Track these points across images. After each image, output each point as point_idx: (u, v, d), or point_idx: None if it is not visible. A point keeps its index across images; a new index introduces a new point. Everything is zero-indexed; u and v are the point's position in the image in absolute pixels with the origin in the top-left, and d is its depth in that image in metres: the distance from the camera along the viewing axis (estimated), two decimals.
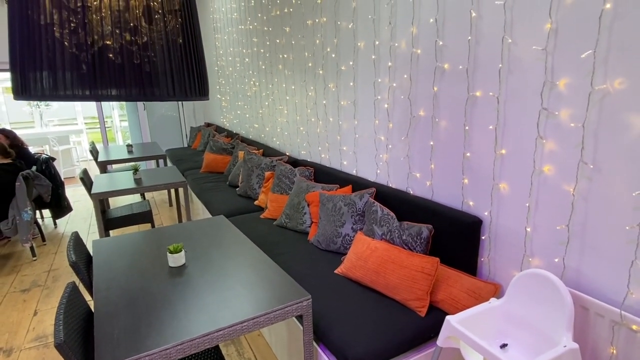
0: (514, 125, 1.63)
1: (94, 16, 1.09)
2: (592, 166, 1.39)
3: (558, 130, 1.48)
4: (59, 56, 1.17)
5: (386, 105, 2.35)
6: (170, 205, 5.17)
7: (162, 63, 1.23)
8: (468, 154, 1.86)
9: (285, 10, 3.42)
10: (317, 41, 2.98)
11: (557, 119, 1.48)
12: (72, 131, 8.08)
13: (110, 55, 1.19)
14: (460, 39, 1.80)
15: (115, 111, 9.24)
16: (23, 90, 1.14)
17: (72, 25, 1.12)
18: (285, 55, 3.56)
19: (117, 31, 1.15)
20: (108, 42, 1.17)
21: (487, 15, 1.66)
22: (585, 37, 1.35)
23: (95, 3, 1.08)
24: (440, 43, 1.90)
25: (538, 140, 1.55)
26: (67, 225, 4.55)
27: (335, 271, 2.16)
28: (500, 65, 1.64)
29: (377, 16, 2.30)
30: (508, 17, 1.58)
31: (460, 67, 1.82)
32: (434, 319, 1.76)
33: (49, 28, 1.17)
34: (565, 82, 1.43)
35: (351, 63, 2.61)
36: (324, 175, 3.03)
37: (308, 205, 2.76)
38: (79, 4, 1.07)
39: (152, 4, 1.17)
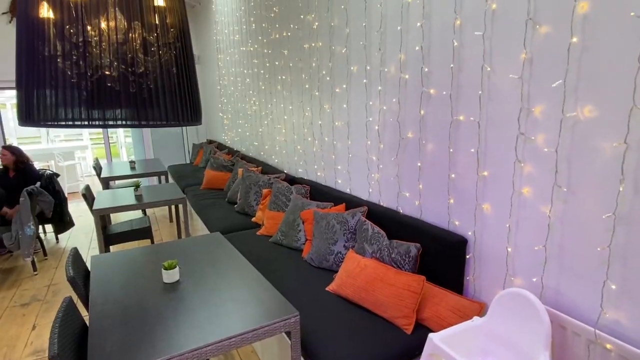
0: (494, 149, 1.71)
1: (94, 50, 1.18)
2: (565, 189, 1.46)
3: (535, 154, 1.55)
4: (61, 85, 1.26)
5: (377, 127, 2.43)
6: (171, 221, 5.25)
7: (157, 91, 1.32)
8: (453, 175, 1.93)
9: (284, 34, 3.55)
10: (313, 64, 3.09)
11: (534, 143, 1.55)
12: (78, 147, 8.24)
13: (109, 84, 1.28)
14: (444, 66, 1.89)
15: None
16: (27, 117, 1.23)
17: (74, 57, 1.22)
18: (284, 77, 3.68)
19: (115, 62, 1.24)
20: (107, 72, 1.26)
21: (468, 44, 1.75)
22: (556, 67, 1.43)
23: (95, 38, 1.18)
24: (426, 69, 1.99)
25: (517, 163, 1.62)
26: (68, 240, 4.63)
27: (327, 288, 2.21)
28: (480, 92, 1.72)
29: (368, 43, 2.40)
30: (487, 47, 1.67)
31: (444, 92, 1.90)
32: (420, 336, 1.79)
33: (53, 59, 1.26)
34: (540, 109, 1.51)
35: (345, 86, 2.71)
36: (319, 193, 3.10)
37: (303, 222, 2.83)
38: (80, 39, 1.16)
39: (148, 37, 1.27)
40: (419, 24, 2.00)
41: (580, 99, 1.38)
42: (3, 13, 5.37)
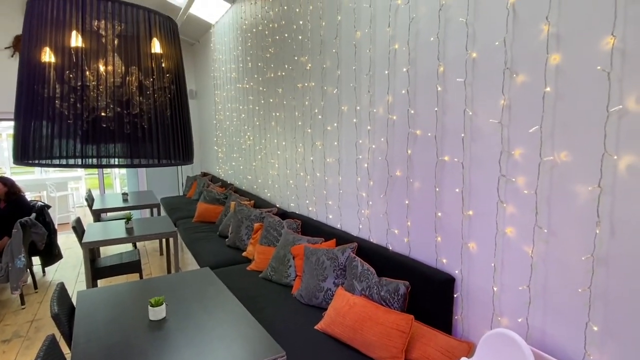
0: (477, 189, 1.76)
1: (92, 93, 1.24)
2: (546, 230, 1.50)
3: (516, 196, 1.60)
4: (57, 125, 1.30)
5: (366, 165, 2.49)
6: (161, 254, 5.19)
7: (151, 130, 1.37)
8: (439, 214, 1.97)
9: (279, 74, 3.69)
10: (306, 103, 3.19)
11: (515, 185, 1.60)
12: (72, 178, 8.23)
13: (104, 124, 1.33)
14: (429, 109, 1.98)
15: None
16: (23, 154, 1.27)
17: (72, 99, 1.27)
18: (278, 114, 3.78)
19: (111, 104, 1.30)
20: (103, 114, 1.31)
21: (451, 89, 1.85)
22: (532, 113, 1.51)
23: (93, 82, 1.24)
24: (412, 112, 2.08)
25: (499, 204, 1.67)
26: (55, 273, 4.54)
27: (316, 327, 2.18)
28: (463, 134, 1.80)
29: (357, 84, 2.51)
30: (468, 92, 1.76)
31: (430, 134, 1.98)
32: None
33: (51, 100, 1.31)
34: (520, 152, 1.57)
35: (336, 124, 2.80)
36: (310, 228, 3.11)
37: (293, 258, 2.82)
38: (79, 84, 1.22)
39: (145, 81, 1.33)
40: (405, 69, 2.11)
41: (556, 144, 1.45)
42: (6, 48, 5.52)
